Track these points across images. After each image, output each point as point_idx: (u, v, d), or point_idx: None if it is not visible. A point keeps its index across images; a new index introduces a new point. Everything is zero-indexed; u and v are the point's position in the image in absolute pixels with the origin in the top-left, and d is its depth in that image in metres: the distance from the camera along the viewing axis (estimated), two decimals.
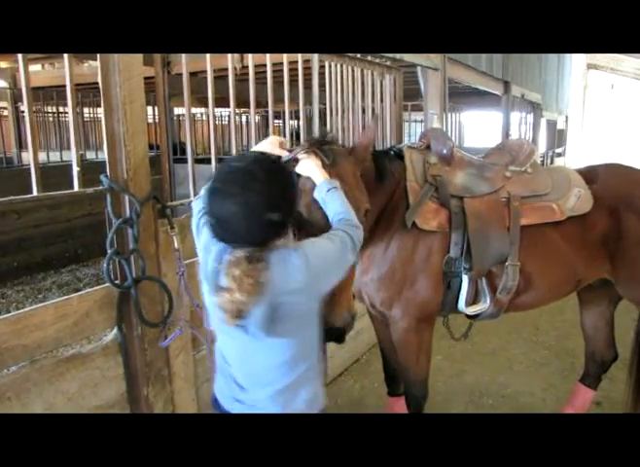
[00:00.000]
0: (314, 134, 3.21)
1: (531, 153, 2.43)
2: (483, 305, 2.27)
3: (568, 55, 12.87)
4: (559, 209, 2.30)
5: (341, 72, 3.43)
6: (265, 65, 2.82)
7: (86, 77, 6.23)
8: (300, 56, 3.04)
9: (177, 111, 9.92)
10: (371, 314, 2.54)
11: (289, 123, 3.20)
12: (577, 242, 2.32)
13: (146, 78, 1.98)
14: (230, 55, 2.62)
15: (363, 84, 3.71)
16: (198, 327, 2.09)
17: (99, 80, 1.85)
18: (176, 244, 2.07)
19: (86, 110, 8.86)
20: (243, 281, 1.21)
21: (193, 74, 3.75)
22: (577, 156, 15.01)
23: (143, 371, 2.05)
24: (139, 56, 1.94)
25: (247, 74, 2.72)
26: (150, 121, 7.92)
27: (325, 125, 3.44)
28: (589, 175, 2.46)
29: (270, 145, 1.68)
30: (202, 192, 1.44)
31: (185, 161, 2.58)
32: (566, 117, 13.66)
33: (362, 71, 3.67)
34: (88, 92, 8.01)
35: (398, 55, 3.95)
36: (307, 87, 3.12)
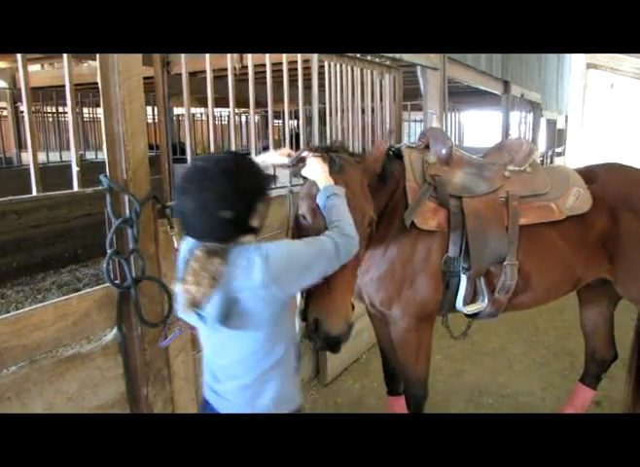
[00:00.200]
0: (315, 136, 3.22)
1: (530, 152, 2.43)
2: (481, 305, 2.28)
3: (568, 55, 12.86)
4: (558, 209, 2.30)
5: (341, 72, 3.43)
6: (264, 65, 2.82)
7: (85, 77, 6.23)
8: (299, 56, 3.04)
9: (177, 111, 9.93)
10: (370, 314, 2.55)
11: (288, 122, 3.20)
12: (576, 242, 2.32)
13: (145, 78, 1.98)
14: (229, 55, 2.62)
15: (362, 83, 3.71)
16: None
17: (99, 80, 1.85)
18: (176, 244, 2.06)
19: (85, 110, 8.85)
20: (199, 274, 1.29)
21: (192, 74, 3.75)
22: (576, 155, 15.02)
23: (143, 371, 2.06)
24: (138, 56, 1.94)
25: (247, 74, 2.72)
26: (149, 121, 7.92)
27: (324, 124, 3.45)
28: (589, 175, 2.46)
29: (277, 153, 1.75)
30: None
31: (184, 161, 2.59)
32: (566, 116, 13.65)
33: (361, 71, 3.67)
34: (87, 93, 8.00)
35: (397, 55, 3.95)
36: (307, 86, 3.12)
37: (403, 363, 2.36)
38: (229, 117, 9.53)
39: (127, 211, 1.92)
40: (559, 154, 12.54)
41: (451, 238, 2.19)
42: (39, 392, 1.74)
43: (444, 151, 2.30)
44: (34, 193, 1.85)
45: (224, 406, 1.49)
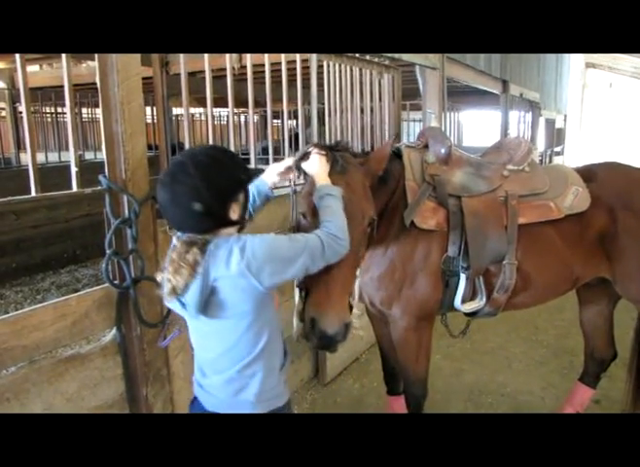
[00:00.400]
0: (313, 136, 3.22)
1: (529, 151, 2.43)
2: (479, 303, 2.28)
3: (566, 54, 12.87)
4: (557, 207, 2.30)
5: (340, 71, 3.43)
6: (263, 65, 2.82)
7: (84, 77, 6.23)
8: (298, 56, 3.04)
9: (175, 111, 9.93)
10: (370, 313, 2.55)
11: (287, 122, 3.20)
12: (574, 241, 2.32)
13: (144, 78, 1.98)
14: (228, 55, 2.62)
15: (361, 83, 3.71)
16: None
17: (97, 80, 1.85)
18: None
19: (84, 110, 8.86)
20: (177, 264, 1.35)
21: (191, 74, 3.74)
22: (575, 154, 15.03)
23: (142, 371, 2.06)
24: (137, 57, 1.93)
25: (245, 74, 2.72)
26: (148, 121, 7.91)
27: (323, 124, 3.45)
28: (587, 174, 2.46)
29: (277, 169, 1.78)
30: None
31: None
32: (565, 116, 13.66)
33: (360, 70, 3.67)
34: (86, 93, 8.00)
35: (396, 55, 3.95)
36: (306, 86, 3.12)
37: (402, 362, 2.36)
38: (228, 117, 9.54)
39: (126, 211, 1.92)
40: (558, 153, 12.54)
41: (451, 238, 2.19)
42: (38, 393, 1.74)
43: (442, 150, 2.30)
44: (33, 193, 1.85)
45: (209, 401, 1.52)
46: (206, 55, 2.45)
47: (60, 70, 2.39)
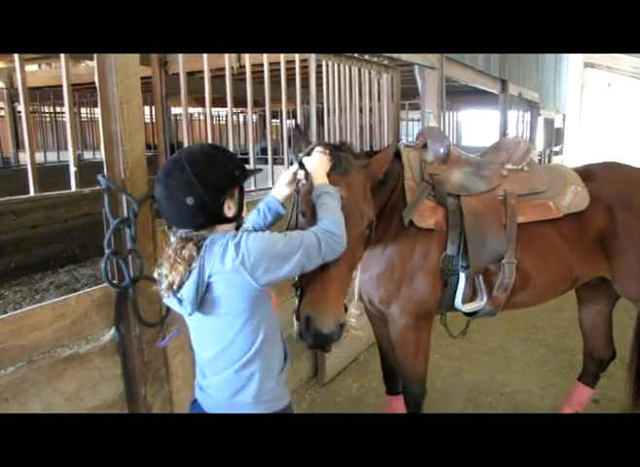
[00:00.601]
0: (312, 136, 3.22)
1: (528, 151, 2.43)
2: (480, 303, 2.28)
3: (565, 54, 12.88)
4: (556, 207, 2.30)
5: (339, 71, 3.43)
6: (262, 65, 2.82)
7: (83, 77, 6.22)
8: (297, 56, 3.04)
9: (174, 111, 9.91)
10: (369, 313, 2.55)
11: (286, 122, 3.20)
12: (573, 240, 2.33)
13: (143, 78, 1.98)
14: (227, 55, 2.62)
15: (360, 83, 3.72)
16: None
17: (96, 80, 1.84)
18: None
19: (83, 110, 8.85)
20: (173, 259, 1.37)
21: (190, 74, 3.74)
22: (574, 154, 15.04)
23: (141, 371, 2.05)
24: (136, 56, 1.93)
25: (244, 73, 2.72)
26: (147, 120, 7.91)
27: (322, 124, 3.45)
28: (586, 173, 2.46)
29: (290, 172, 1.78)
30: None
31: None
32: (563, 115, 13.67)
33: (359, 70, 3.67)
34: (85, 92, 7.99)
35: (395, 55, 3.95)
36: (305, 86, 3.13)
37: (401, 361, 2.36)
38: (226, 116, 9.53)
39: (125, 211, 1.92)
40: (557, 153, 12.55)
41: (450, 237, 2.19)
42: (37, 393, 1.74)
43: (441, 150, 2.31)
44: (32, 193, 1.85)
45: (207, 402, 1.53)
46: (205, 55, 2.45)
47: (59, 70, 2.39)
